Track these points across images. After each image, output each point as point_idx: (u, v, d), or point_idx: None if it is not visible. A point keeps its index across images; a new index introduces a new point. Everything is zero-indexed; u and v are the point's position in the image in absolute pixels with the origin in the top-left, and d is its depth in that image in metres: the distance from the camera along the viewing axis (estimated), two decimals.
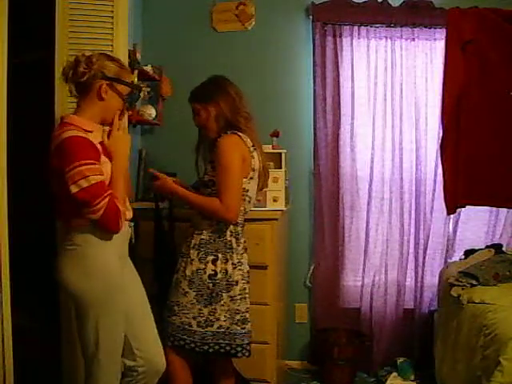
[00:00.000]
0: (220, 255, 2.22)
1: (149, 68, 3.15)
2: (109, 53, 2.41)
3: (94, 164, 1.81)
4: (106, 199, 1.81)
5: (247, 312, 2.27)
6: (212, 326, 2.20)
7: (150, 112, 3.18)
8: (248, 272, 2.31)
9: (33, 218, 2.98)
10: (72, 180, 1.77)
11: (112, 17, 2.46)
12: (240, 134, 2.24)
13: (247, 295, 2.28)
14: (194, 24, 3.42)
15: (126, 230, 2.00)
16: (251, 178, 2.27)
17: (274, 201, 2.91)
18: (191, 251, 2.23)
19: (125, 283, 1.98)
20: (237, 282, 2.23)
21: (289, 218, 3.29)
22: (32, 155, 2.97)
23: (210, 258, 2.21)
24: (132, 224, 2.08)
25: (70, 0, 2.41)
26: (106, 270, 1.89)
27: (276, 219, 2.82)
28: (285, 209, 2.98)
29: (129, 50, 2.70)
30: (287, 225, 3.27)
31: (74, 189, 1.77)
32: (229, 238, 2.24)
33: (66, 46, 2.41)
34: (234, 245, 2.25)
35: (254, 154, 2.27)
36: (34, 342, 2.77)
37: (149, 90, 3.18)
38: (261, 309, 2.64)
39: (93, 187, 1.78)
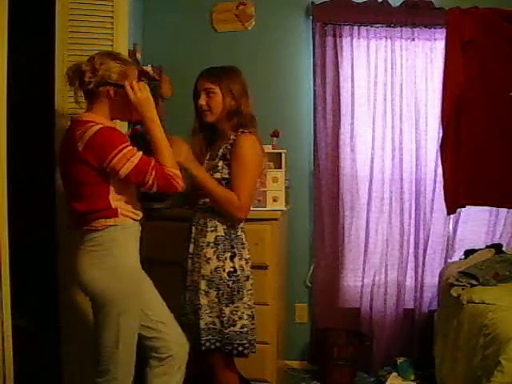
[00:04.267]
0: (236, 251, 2.22)
1: (149, 68, 3.15)
2: None
3: (129, 145, 1.91)
4: (154, 172, 1.90)
5: (254, 307, 2.28)
6: (235, 325, 2.18)
7: None
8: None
9: (33, 218, 2.98)
10: (119, 166, 1.87)
11: (112, 17, 2.46)
12: (253, 132, 2.24)
13: (253, 291, 2.29)
14: (194, 24, 3.42)
15: (137, 229, 2.07)
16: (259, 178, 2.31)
17: (274, 201, 2.91)
18: (206, 250, 2.20)
19: (142, 281, 2.08)
20: (249, 278, 2.25)
21: (289, 218, 3.28)
22: (32, 155, 2.97)
23: (228, 254, 2.20)
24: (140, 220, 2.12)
25: (70, 0, 2.41)
26: (130, 271, 1.99)
27: (276, 219, 2.82)
28: (285, 209, 2.97)
29: (129, 50, 2.70)
30: (287, 225, 3.27)
31: (123, 173, 1.88)
32: (241, 235, 2.25)
33: (66, 46, 2.41)
34: (244, 240, 2.26)
35: (264, 154, 2.31)
36: (33, 342, 2.77)
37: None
38: (261, 309, 2.63)
39: (137, 166, 1.88)
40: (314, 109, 3.30)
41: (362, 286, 3.37)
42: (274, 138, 3.07)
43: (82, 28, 2.43)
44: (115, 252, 1.95)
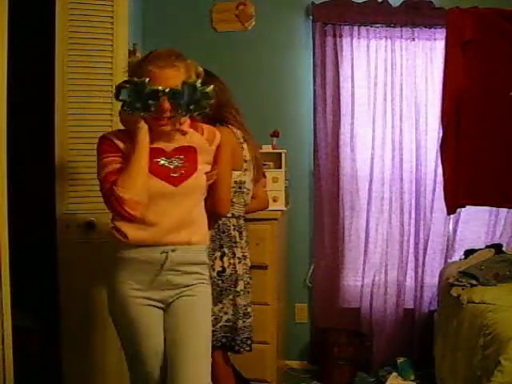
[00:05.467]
0: (226, 250, 2.22)
1: None
2: (109, 53, 2.44)
3: (104, 158, 1.79)
4: (104, 185, 1.75)
5: (250, 306, 2.27)
6: (220, 321, 2.21)
7: None
8: (250, 267, 2.31)
9: (33, 218, 2.98)
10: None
11: (112, 17, 2.46)
12: (230, 126, 2.24)
13: (250, 289, 2.29)
14: (194, 24, 3.42)
15: (149, 257, 1.80)
16: (246, 170, 2.28)
17: (274, 201, 2.91)
18: None
19: (138, 313, 1.82)
20: (242, 277, 2.25)
21: (289, 218, 3.29)
22: (32, 155, 2.97)
23: (218, 254, 2.21)
24: (168, 250, 1.80)
25: (70, 0, 2.41)
26: (111, 293, 1.87)
27: (276, 219, 2.83)
28: (285, 209, 2.98)
29: (129, 50, 2.69)
30: (287, 225, 3.27)
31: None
32: (233, 233, 2.25)
33: (66, 46, 2.41)
34: (238, 239, 2.25)
35: (244, 145, 2.26)
36: (33, 341, 2.77)
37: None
38: (261, 309, 2.64)
39: (100, 184, 1.78)
40: (314, 109, 3.30)
41: (362, 285, 3.38)
42: (274, 138, 3.07)
43: (82, 28, 2.42)
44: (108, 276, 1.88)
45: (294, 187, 3.28)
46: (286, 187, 3.00)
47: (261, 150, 2.98)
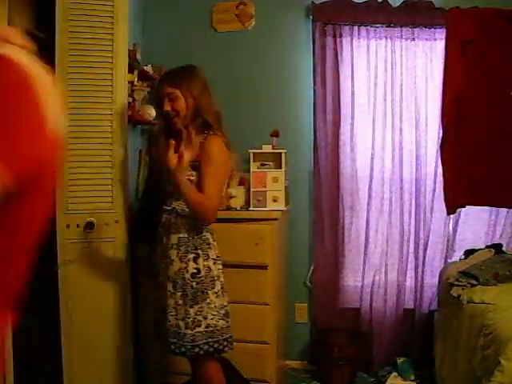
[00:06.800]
0: (200, 252, 2.20)
1: (149, 68, 3.15)
2: (109, 53, 2.44)
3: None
4: None
5: (228, 306, 2.26)
6: (200, 325, 2.17)
7: (150, 112, 3.18)
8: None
9: None
10: None
11: (112, 17, 2.46)
12: (219, 134, 2.21)
13: (226, 289, 2.27)
14: (194, 24, 3.42)
15: None
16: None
17: (274, 201, 2.91)
18: (170, 252, 2.20)
19: None
20: (218, 277, 2.23)
21: (289, 218, 3.28)
22: None
23: (191, 256, 2.19)
24: None
25: (71, 0, 2.41)
26: None
27: (276, 219, 2.82)
28: (285, 209, 2.98)
29: (129, 50, 2.69)
30: (287, 225, 3.27)
31: None
32: (205, 235, 2.23)
33: (66, 46, 2.41)
34: (211, 240, 2.24)
35: (232, 155, 2.27)
36: (33, 341, 2.77)
37: (148, 89, 3.18)
38: (261, 309, 2.64)
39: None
40: (314, 109, 3.30)
41: (362, 286, 3.37)
42: (274, 138, 3.07)
43: (82, 28, 2.42)
44: None
45: (294, 187, 3.28)
46: (286, 187, 3.00)
47: (261, 150, 3.01)
